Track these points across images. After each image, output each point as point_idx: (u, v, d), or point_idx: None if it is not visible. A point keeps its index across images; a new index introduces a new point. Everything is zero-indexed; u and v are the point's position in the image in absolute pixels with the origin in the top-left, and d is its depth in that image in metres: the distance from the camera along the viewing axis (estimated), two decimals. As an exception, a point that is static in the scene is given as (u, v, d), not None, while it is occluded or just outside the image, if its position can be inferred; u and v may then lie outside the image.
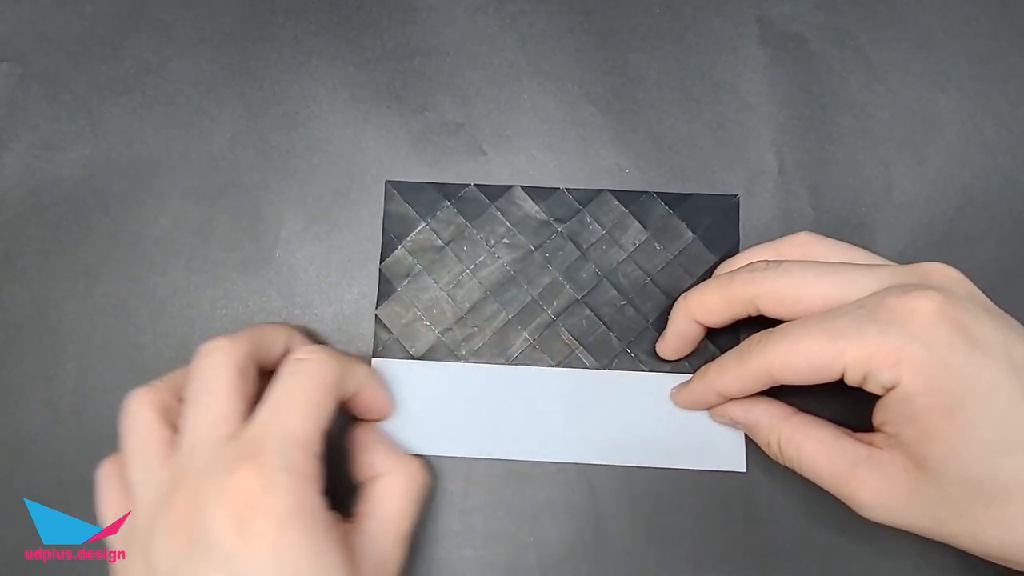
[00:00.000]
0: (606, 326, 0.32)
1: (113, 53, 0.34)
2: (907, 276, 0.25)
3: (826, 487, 0.26)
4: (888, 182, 0.32)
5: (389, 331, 0.32)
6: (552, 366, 0.31)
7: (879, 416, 0.25)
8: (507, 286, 0.32)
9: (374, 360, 0.32)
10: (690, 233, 0.32)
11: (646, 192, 0.32)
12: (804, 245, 0.28)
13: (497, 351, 0.32)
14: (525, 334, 0.32)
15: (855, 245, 0.28)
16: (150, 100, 0.34)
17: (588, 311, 0.32)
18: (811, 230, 0.31)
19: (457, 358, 0.32)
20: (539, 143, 0.33)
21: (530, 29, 0.33)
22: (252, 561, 0.22)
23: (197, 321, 0.33)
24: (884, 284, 0.24)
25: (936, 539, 0.24)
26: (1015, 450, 0.22)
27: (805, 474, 0.26)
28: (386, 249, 0.33)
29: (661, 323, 0.31)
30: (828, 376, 0.24)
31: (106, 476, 0.28)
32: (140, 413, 0.27)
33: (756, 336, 0.26)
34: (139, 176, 0.33)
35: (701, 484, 0.30)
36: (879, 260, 0.27)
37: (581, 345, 0.32)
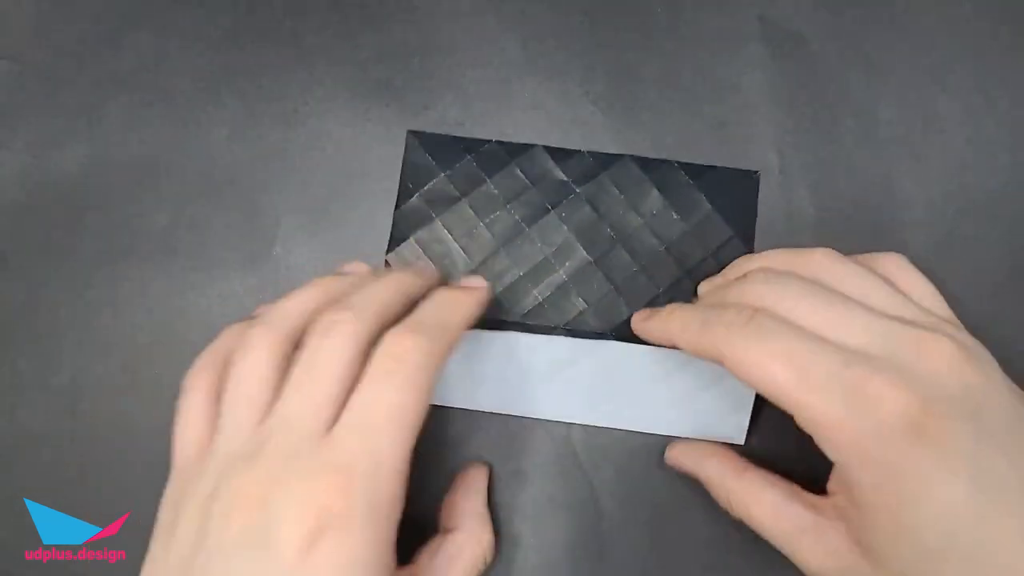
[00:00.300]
0: (617, 291, 0.32)
1: (111, 51, 0.34)
2: (901, 347, 0.22)
3: (776, 546, 0.25)
4: (888, 182, 0.32)
5: None
6: (559, 326, 0.31)
7: (832, 485, 0.24)
8: (520, 242, 0.32)
9: None
10: (708, 205, 0.32)
11: (667, 161, 0.32)
12: (819, 265, 0.26)
13: (505, 307, 0.32)
14: (535, 292, 0.32)
15: (876, 275, 0.25)
16: (148, 98, 0.34)
17: (600, 274, 0.32)
18: (812, 229, 0.32)
19: None
20: (539, 142, 0.33)
21: (530, 28, 0.33)
22: None
23: (194, 320, 0.32)
24: (875, 347, 0.22)
25: None
26: (958, 562, 0.21)
27: (757, 532, 0.26)
28: (402, 197, 0.33)
29: (672, 293, 0.31)
30: (781, 407, 0.23)
31: (197, 389, 0.25)
32: (259, 353, 0.24)
33: (731, 312, 0.25)
34: (137, 174, 0.33)
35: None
36: (899, 300, 0.24)
37: (590, 308, 0.31)
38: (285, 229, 0.33)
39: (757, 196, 0.32)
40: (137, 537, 0.31)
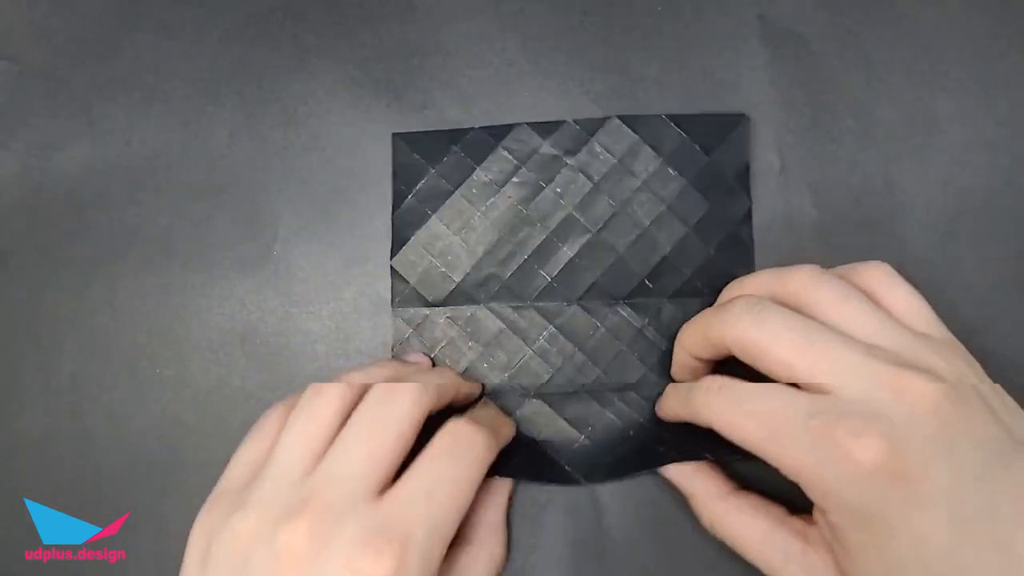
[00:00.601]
0: (625, 258, 0.31)
1: (112, 52, 0.34)
2: (876, 388, 0.22)
3: (759, 569, 0.25)
4: (888, 182, 0.32)
5: (406, 281, 0.32)
6: (573, 303, 0.31)
7: (817, 516, 0.24)
8: (520, 226, 0.32)
9: (393, 311, 0.32)
10: (704, 156, 0.31)
11: (656, 116, 0.32)
12: (801, 287, 0.25)
13: (516, 293, 0.32)
14: (543, 272, 0.32)
15: (859, 294, 0.25)
16: (148, 98, 0.34)
17: (606, 244, 0.31)
18: (812, 229, 0.31)
19: (476, 303, 0.32)
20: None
21: (530, 28, 0.33)
22: None
23: (194, 320, 0.32)
24: (849, 388, 0.22)
25: None
26: None
27: (738, 553, 0.26)
28: (397, 200, 0.32)
29: (681, 252, 0.31)
30: (762, 458, 0.24)
31: (270, 421, 0.26)
32: (330, 396, 0.25)
33: (707, 381, 0.26)
34: (137, 175, 0.33)
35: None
36: (882, 328, 0.24)
37: (601, 279, 0.31)
38: (285, 229, 0.33)
39: (748, 140, 0.31)
40: (137, 537, 0.31)
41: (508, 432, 0.30)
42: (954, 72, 0.32)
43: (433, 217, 0.32)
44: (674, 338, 0.31)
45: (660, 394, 0.31)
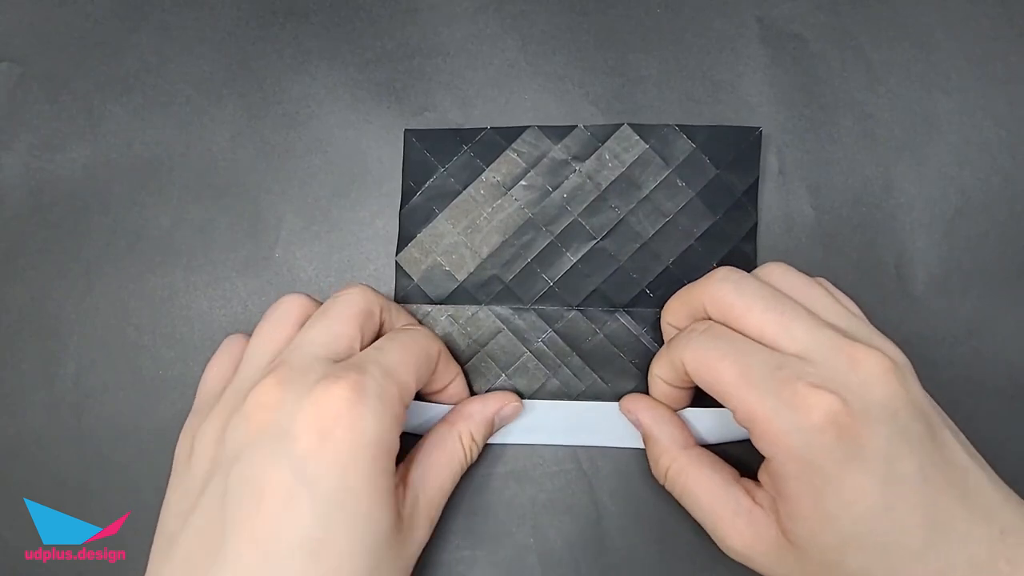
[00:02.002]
0: (628, 267, 0.31)
1: (113, 53, 0.34)
2: (835, 355, 0.24)
3: (699, 521, 0.27)
4: (888, 182, 0.32)
5: (410, 278, 0.32)
6: (572, 309, 0.31)
7: (762, 476, 0.26)
8: (526, 229, 0.32)
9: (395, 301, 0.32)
10: (714, 169, 0.31)
11: (667, 125, 0.32)
12: (773, 274, 0.28)
13: (517, 295, 0.32)
14: (545, 277, 0.32)
15: (821, 287, 0.27)
16: (150, 100, 0.34)
17: (609, 253, 0.32)
18: (811, 229, 0.32)
19: (477, 303, 0.32)
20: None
21: (530, 29, 0.33)
22: (319, 469, 0.23)
23: (196, 321, 0.33)
24: (812, 352, 0.24)
25: None
26: (868, 549, 0.23)
27: (683, 505, 0.28)
28: (405, 197, 0.32)
29: (682, 264, 0.31)
30: (726, 404, 0.25)
31: (230, 344, 0.30)
32: (289, 306, 0.28)
33: (695, 323, 0.27)
34: (139, 176, 0.33)
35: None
36: (841, 312, 0.27)
37: (602, 287, 0.31)
38: (286, 230, 0.33)
39: (759, 153, 0.31)
40: (137, 537, 0.31)
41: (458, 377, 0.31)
42: (954, 72, 0.32)
43: (440, 216, 0.32)
44: None
45: None
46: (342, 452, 0.23)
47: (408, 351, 0.27)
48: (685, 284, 0.31)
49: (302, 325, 0.27)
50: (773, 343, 0.25)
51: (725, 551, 0.26)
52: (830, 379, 0.24)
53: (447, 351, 0.30)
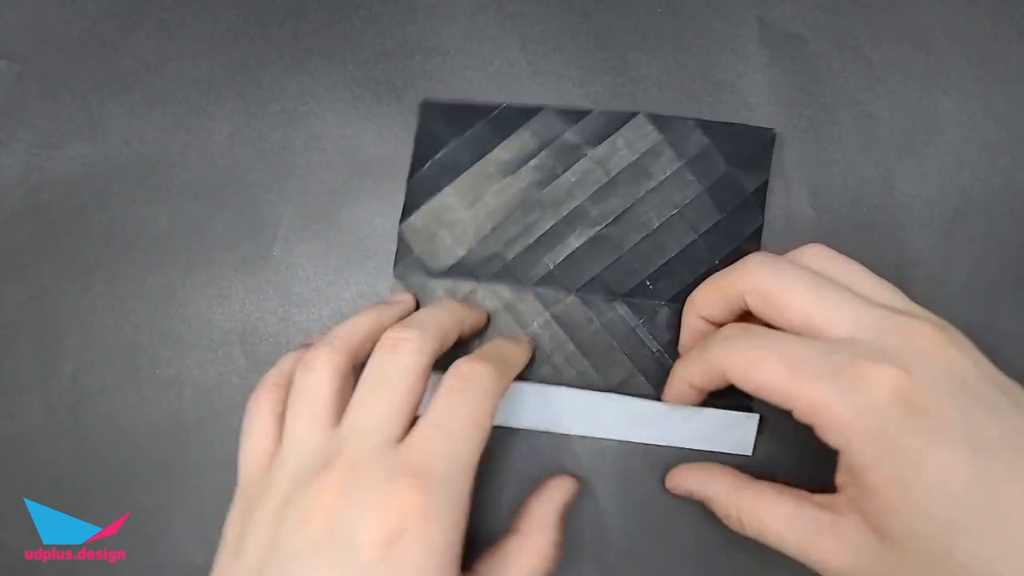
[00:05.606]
0: (630, 256, 0.31)
1: (112, 51, 0.34)
2: (888, 332, 0.23)
3: (792, 555, 0.25)
4: (888, 182, 0.32)
5: (410, 248, 0.32)
6: (571, 294, 0.31)
7: (840, 477, 0.24)
8: (531, 209, 0.32)
9: (394, 275, 0.32)
10: (725, 166, 0.31)
11: (682, 118, 0.32)
12: (812, 256, 0.27)
13: (517, 275, 0.32)
14: (547, 259, 0.32)
15: (859, 264, 0.26)
16: (149, 98, 0.34)
17: (612, 240, 0.31)
18: (812, 229, 0.31)
19: (476, 279, 0.32)
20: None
21: (530, 29, 0.33)
22: None
23: (195, 320, 0.33)
24: (863, 332, 0.23)
25: None
26: (972, 531, 0.21)
27: (770, 544, 0.25)
28: (415, 166, 0.32)
29: (685, 257, 0.31)
30: (780, 404, 0.24)
31: (260, 408, 0.27)
32: (322, 371, 0.26)
33: (727, 328, 0.26)
34: (137, 175, 0.33)
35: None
36: (884, 289, 0.25)
37: (603, 274, 0.31)
38: (285, 229, 0.33)
39: (771, 155, 0.31)
40: (137, 537, 0.31)
41: (520, 357, 0.30)
42: (954, 72, 0.32)
43: (447, 188, 0.32)
44: (667, 343, 0.31)
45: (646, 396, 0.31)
46: (408, 565, 0.22)
47: (469, 418, 0.25)
48: (685, 278, 0.31)
49: (341, 383, 0.26)
50: (820, 330, 0.24)
51: None
52: (889, 353, 0.22)
53: (511, 366, 0.28)
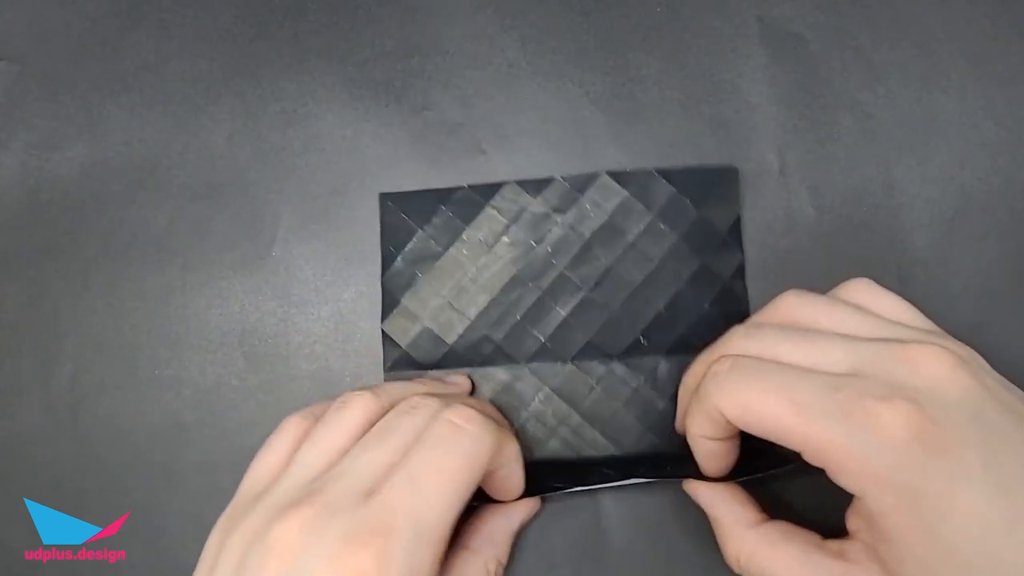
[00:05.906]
0: (619, 317, 0.31)
1: (111, 52, 0.34)
2: (890, 363, 0.22)
3: None
4: (888, 182, 0.32)
5: (398, 346, 0.31)
6: (567, 363, 0.31)
7: (852, 523, 0.23)
8: (512, 286, 0.31)
9: (385, 375, 0.31)
10: (694, 211, 0.31)
11: (645, 170, 0.31)
12: (789, 308, 0.25)
13: (509, 354, 0.31)
14: (536, 333, 0.31)
15: (844, 303, 0.25)
16: (148, 99, 0.34)
17: (599, 304, 0.31)
18: (812, 230, 0.31)
19: (470, 365, 0.31)
20: (539, 143, 0.33)
21: (530, 29, 0.33)
22: None
23: (193, 320, 0.32)
24: (863, 367, 0.22)
25: None
26: (997, 567, 0.20)
27: None
28: (386, 262, 0.32)
29: (674, 308, 0.31)
30: (788, 446, 0.22)
31: (288, 427, 0.26)
32: (355, 412, 0.25)
33: (716, 365, 0.24)
34: (136, 175, 0.33)
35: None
36: (867, 319, 0.24)
37: (595, 338, 0.31)
38: (284, 230, 0.33)
39: (739, 192, 0.31)
40: (137, 537, 0.31)
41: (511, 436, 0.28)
42: (954, 72, 0.32)
43: (423, 279, 0.31)
44: (672, 397, 0.30)
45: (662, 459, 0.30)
46: None
47: (447, 476, 0.23)
48: (678, 328, 0.31)
49: (366, 430, 0.25)
50: (817, 370, 0.22)
51: None
52: (896, 387, 0.21)
53: (502, 437, 0.25)
